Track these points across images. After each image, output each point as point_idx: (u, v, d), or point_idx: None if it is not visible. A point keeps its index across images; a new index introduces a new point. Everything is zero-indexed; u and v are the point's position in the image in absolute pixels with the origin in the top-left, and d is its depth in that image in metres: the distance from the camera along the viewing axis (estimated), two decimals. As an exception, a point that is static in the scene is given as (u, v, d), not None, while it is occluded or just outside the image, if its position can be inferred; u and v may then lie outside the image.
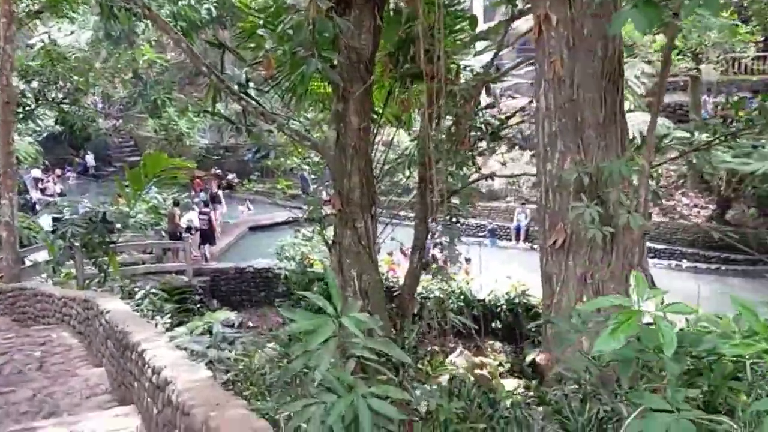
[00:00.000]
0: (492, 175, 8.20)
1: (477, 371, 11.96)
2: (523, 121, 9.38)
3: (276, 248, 18.40)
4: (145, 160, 12.64)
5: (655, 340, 1.98)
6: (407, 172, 9.84)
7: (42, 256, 15.50)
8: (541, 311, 12.56)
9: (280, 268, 17.83)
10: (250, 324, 18.19)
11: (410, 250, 18.43)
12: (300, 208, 8.88)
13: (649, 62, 20.11)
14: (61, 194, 31.16)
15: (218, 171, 33.90)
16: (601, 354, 2.29)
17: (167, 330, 7.02)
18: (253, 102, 7.66)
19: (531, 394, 3.85)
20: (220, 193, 22.86)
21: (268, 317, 18.69)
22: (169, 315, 8.18)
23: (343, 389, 2.82)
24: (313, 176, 27.60)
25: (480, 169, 8.03)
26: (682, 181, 24.44)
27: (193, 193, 25.85)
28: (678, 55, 18.96)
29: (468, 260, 16.83)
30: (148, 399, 4.46)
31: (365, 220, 7.22)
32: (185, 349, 5.79)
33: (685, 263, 21.07)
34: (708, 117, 20.74)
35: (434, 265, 8.47)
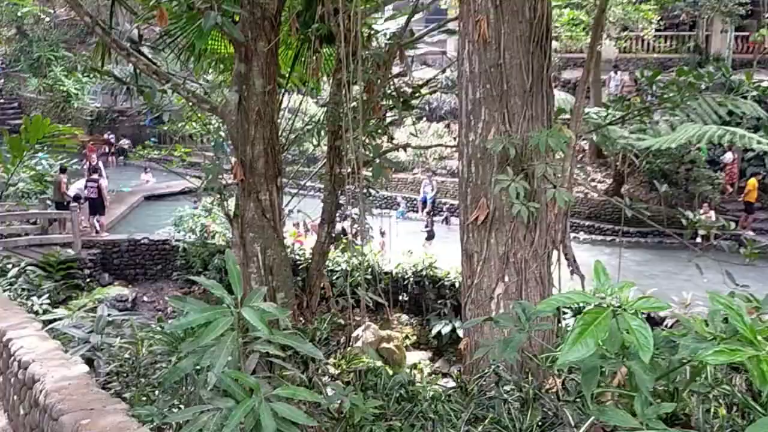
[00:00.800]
0: (407, 146, 7.88)
1: (384, 345, 11.80)
2: (434, 91, 9.07)
3: (174, 219, 17.46)
4: (25, 124, 11.46)
5: (619, 343, 1.69)
6: (315, 141, 9.37)
7: None
8: (460, 290, 12.58)
9: (178, 240, 16.95)
10: (145, 299, 17.25)
11: (317, 223, 18.06)
12: (199, 177, 8.21)
13: (556, 38, 20.38)
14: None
15: (111, 136, 31.90)
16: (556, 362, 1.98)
17: (44, 312, 6.30)
18: (146, 60, 6.93)
19: (450, 383, 3.57)
20: (100, 164, 21.30)
21: (165, 291, 17.77)
22: (47, 295, 7.36)
23: (242, 392, 2.40)
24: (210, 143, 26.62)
25: (393, 138, 7.67)
26: (581, 156, 25.21)
27: (85, 160, 24.16)
28: (583, 31, 19.28)
29: (382, 233, 16.62)
30: (15, 397, 3.86)
31: (270, 191, 6.73)
32: (64, 334, 5.16)
33: (582, 235, 21.76)
34: (614, 94, 21.34)
35: (344, 239, 8.10)
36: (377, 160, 7.05)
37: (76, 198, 17.09)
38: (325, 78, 9.53)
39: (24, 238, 16.13)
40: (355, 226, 7.46)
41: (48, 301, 6.87)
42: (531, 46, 4.42)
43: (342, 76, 7.34)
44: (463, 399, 3.38)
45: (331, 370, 4.46)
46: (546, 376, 3.65)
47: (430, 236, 18.29)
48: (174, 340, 3.43)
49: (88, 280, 15.94)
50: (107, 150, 30.43)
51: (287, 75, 8.59)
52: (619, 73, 23.72)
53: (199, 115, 11.01)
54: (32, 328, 4.27)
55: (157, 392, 3.10)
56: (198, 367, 2.57)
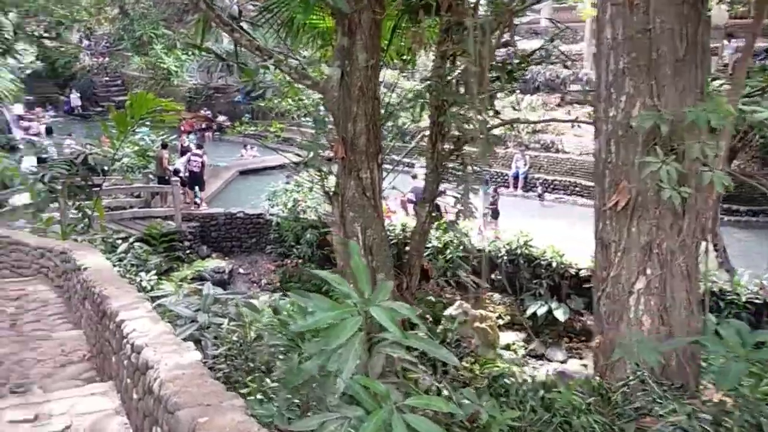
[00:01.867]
0: (517, 122, 7.44)
1: (477, 325, 11.50)
2: (540, 63, 8.54)
3: (268, 194, 17.69)
4: (131, 100, 11.68)
5: None
6: (413, 116, 9.06)
7: (24, 199, 14.71)
8: (557, 269, 12.09)
9: (272, 215, 17.18)
10: (241, 271, 17.65)
11: (408, 200, 17.74)
12: (299, 154, 8.08)
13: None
14: (48, 131, 29.93)
15: (207, 113, 32.77)
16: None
17: (151, 289, 6.38)
18: (248, 36, 6.82)
19: (582, 389, 3.24)
20: (192, 146, 21.77)
21: (259, 264, 18.14)
22: (154, 271, 7.48)
23: (371, 401, 2.17)
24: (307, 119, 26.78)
25: (499, 113, 7.26)
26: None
27: (181, 136, 24.89)
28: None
29: (496, 213, 16.19)
30: (128, 380, 3.82)
31: (371, 169, 6.50)
32: (171, 311, 5.14)
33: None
34: (727, 64, 19.75)
35: (444, 219, 7.79)
36: (482, 136, 6.67)
37: (176, 172, 17.59)
38: (422, 51, 9.19)
39: (129, 211, 16.79)
40: (458, 205, 7.14)
41: (155, 277, 6.98)
42: (685, 8, 3.91)
43: (447, 47, 7.00)
44: (605, 408, 3.05)
45: (462, 374, 4.21)
46: (691, 381, 3.26)
47: (495, 215, 17.67)
48: (286, 327, 3.26)
49: (188, 252, 16.43)
50: (204, 126, 31.31)
51: (385, 48, 8.30)
52: (733, 40, 21.90)
53: (295, 91, 10.95)
54: (143, 309, 4.23)
55: (272, 385, 2.95)
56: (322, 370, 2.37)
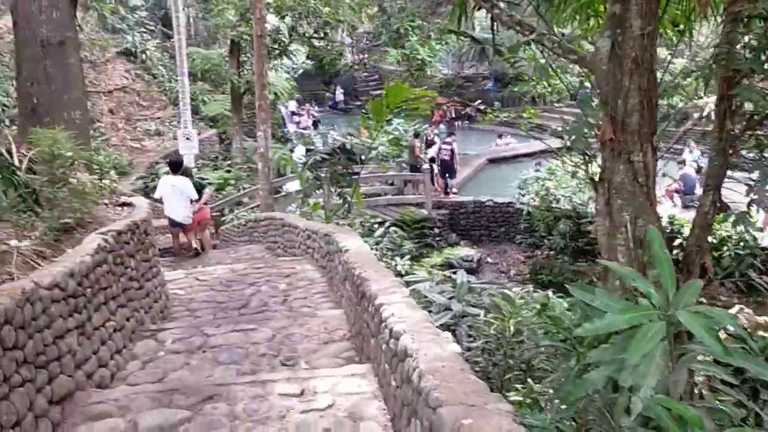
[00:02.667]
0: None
1: (761, 333, 9.94)
2: None
3: (518, 182, 17.27)
4: (386, 90, 12.07)
5: None
6: (689, 93, 8.00)
7: (295, 185, 16.22)
8: None
9: (522, 204, 16.74)
10: (489, 260, 17.50)
11: (675, 189, 15.99)
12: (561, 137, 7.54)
13: None
14: (315, 125, 32.81)
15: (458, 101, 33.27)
16: None
17: (405, 274, 6.42)
18: (507, 12, 6.50)
19: None
20: (437, 138, 21.92)
21: (508, 254, 17.84)
22: (408, 256, 7.57)
23: (677, 429, 1.71)
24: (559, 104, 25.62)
25: (808, 83, 5.99)
26: None
27: (432, 125, 25.48)
28: None
29: None
30: (386, 365, 3.75)
31: (644, 151, 5.72)
32: (425, 297, 5.05)
33: None
34: None
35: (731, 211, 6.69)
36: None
37: (432, 160, 17.98)
38: (699, 21, 8.03)
39: (383, 197, 17.60)
40: (751, 194, 6.04)
41: (409, 261, 7.04)
42: None
43: (741, 7, 5.94)
44: None
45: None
46: None
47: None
48: (557, 326, 2.90)
49: (437, 238, 16.73)
50: (454, 115, 31.82)
51: (660, 16, 7.37)
52: None
53: (550, 72, 10.37)
54: (400, 294, 4.15)
55: (541, 390, 2.63)
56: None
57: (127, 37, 25.57)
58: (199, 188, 12.47)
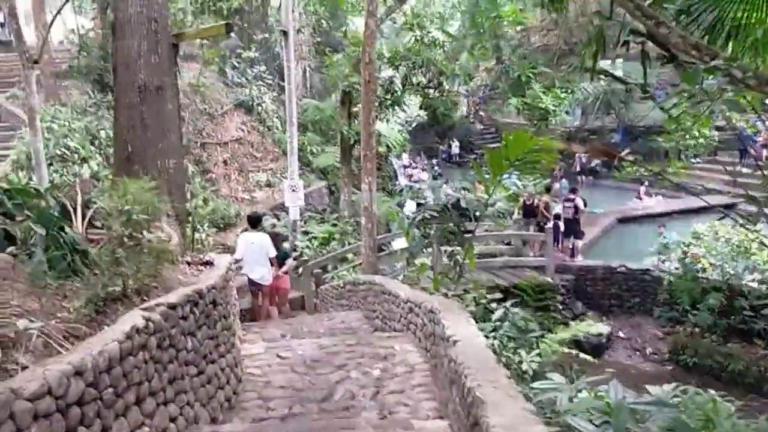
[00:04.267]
0: None
1: None
2: None
3: (657, 247, 15.10)
4: (506, 140, 10.62)
5: None
6: None
7: (402, 243, 14.99)
8: None
9: (663, 271, 14.54)
10: (621, 335, 15.33)
11: None
12: (753, 199, 5.82)
13: None
14: (435, 178, 31.80)
15: (581, 156, 31.13)
16: None
17: (534, 375, 4.89)
18: (678, 30, 4.99)
19: None
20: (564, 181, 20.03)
21: (643, 328, 15.56)
22: (533, 344, 5.98)
23: None
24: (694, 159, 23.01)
25: None
26: None
27: (554, 180, 23.64)
28: None
29: None
30: None
31: None
32: (564, 423, 3.50)
33: None
34: None
35: None
36: None
37: (557, 217, 16.24)
38: None
39: (499, 259, 15.96)
40: None
41: (538, 358, 5.48)
42: None
43: None
44: None
45: None
46: None
47: None
48: None
49: (560, 307, 14.83)
50: (577, 169, 29.76)
51: None
52: None
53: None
54: (530, 427, 2.66)
55: None
56: None
57: (245, 90, 25.85)
58: (284, 257, 11.63)
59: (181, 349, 4.62)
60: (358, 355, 6.69)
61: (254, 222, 10.88)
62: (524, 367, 5.15)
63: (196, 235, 15.37)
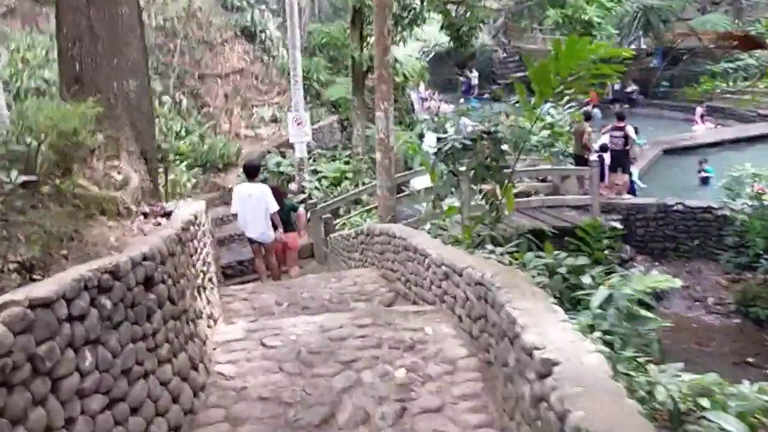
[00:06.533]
0: None
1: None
2: None
3: (726, 181, 12.90)
4: (555, 48, 8.29)
5: None
6: None
7: (424, 182, 12.92)
8: None
9: (733, 210, 12.38)
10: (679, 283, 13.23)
11: None
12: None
13: None
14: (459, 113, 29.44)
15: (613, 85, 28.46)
16: None
17: (678, 413, 2.94)
18: None
19: None
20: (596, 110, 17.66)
21: (703, 275, 13.50)
22: (652, 342, 3.86)
23: None
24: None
25: None
26: None
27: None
28: None
29: None
30: None
31: None
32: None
33: None
34: None
35: None
36: None
37: (603, 149, 14.01)
38: None
39: (535, 198, 13.86)
40: None
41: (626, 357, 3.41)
42: None
43: None
44: None
45: None
46: None
47: None
48: None
49: (605, 251, 12.77)
50: (610, 97, 27.17)
51: None
52: None
53: None
54: None
55: None
56: None
57: (246, 14, 23.36)
58: (290, 209, 9.68)
59: (64, 376, 2.66)
60: (373, 344, 4.72)
61: (251, 171, 8.94)
62: (661, 397, 3.12)
63: (184, 178, 13.40)
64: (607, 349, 3.11)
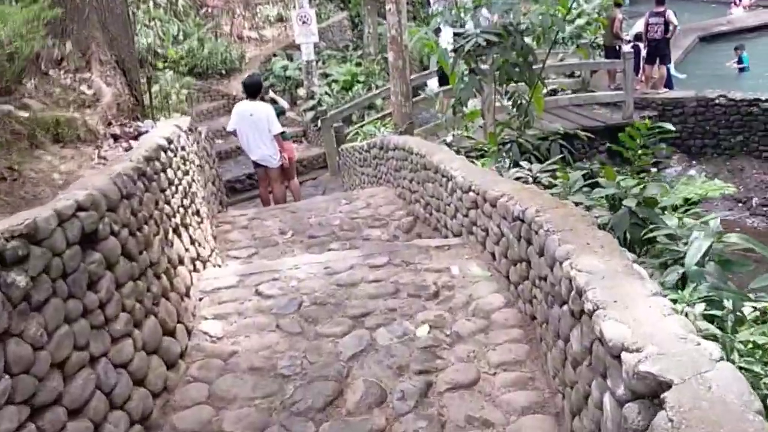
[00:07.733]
0: None
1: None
2: None
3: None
4: None
5: None
6: None
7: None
8: None
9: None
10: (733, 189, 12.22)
11: None
12: None
13: None
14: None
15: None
16: None
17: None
18: None
19: None
20: None
21: (746, 173, 12.47)
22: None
23: None
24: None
25: None
26: None
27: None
28: None
29: None
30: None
31: None
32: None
33: None
34: None
35: None
36: None
37: (637, 38, 12.62)
38: None
39: (563, 96, 12.68)
40: None
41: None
42: None
43: None
44: None
45: None
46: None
47: None
48: None
49: (638, 152, 11.74)
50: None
51: None
52: None
53: None
54: None
55: None
56: None
57: None
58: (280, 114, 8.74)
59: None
60: (389, 291, 3.91)
61: (252, 89, 7.93)
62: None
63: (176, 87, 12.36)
64: (719, 332, 2.24)
